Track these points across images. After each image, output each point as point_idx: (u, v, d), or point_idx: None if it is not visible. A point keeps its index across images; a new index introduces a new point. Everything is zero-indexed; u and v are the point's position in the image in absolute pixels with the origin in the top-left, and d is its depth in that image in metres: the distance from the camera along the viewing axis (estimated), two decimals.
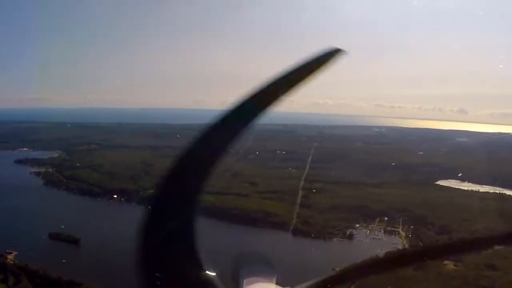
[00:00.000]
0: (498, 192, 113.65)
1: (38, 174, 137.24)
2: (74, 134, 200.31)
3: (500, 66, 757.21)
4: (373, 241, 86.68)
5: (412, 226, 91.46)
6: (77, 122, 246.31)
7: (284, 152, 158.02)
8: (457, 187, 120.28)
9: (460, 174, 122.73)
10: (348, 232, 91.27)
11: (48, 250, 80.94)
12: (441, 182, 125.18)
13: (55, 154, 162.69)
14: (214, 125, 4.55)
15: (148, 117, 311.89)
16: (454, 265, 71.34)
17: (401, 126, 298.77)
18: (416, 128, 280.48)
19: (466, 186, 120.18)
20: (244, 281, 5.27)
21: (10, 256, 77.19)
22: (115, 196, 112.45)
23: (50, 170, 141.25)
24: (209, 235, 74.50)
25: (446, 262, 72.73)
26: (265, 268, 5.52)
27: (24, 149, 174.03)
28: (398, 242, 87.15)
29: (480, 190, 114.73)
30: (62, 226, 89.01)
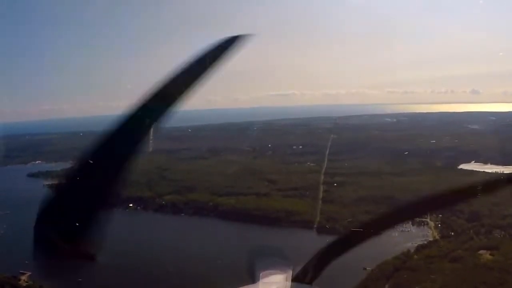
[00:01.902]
0: None
1: (51, 187, 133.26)
2: (87, 143, 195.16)
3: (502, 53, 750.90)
4: (402, 234, 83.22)
5: (440, 215, 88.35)
6: (90, 131, 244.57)
7: (301, 146, 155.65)
8: (480, 170, 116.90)
9: (480, 155, 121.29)
10: None
11: (63, 268, 78.41)
12: (464, 166, 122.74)
13: (68, 165, 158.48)
14: (118, 127, 4.64)
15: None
16: (491, 254, 68.68)
17: (415, 111, 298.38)
18: (430, 112, 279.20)
19: (489, 168, 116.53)
20: (261, 274, 5.86)
21: (23, 277, 74.87)
22: (131, 204, 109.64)
23: (60, 181, 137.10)
24: (232, 239, 72.34)
25: (481, 251, 70.25)
26: (280, 261, 6.16)
27: (37, 162, 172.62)
28: (428, 233, 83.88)
29: (505, 172, 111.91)
30: None
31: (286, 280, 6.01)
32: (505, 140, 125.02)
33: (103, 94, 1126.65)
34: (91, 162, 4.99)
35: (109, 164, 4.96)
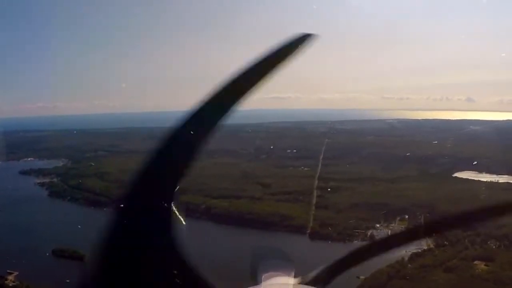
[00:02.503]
0: None
1: (42, 184, 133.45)
2: (81, 142, 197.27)
3: (503, 54, 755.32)
4: None
5: None
6: (84, 129, 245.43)
7: (295, 150, 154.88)
8: (475, 178, 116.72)
9: (475, 163, 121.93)
10: (369, 233, 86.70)
11: (52, 269, 76.84)
12: (459, 174, 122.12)
13: (60, 163, 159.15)
14: (183, 125, 4.37)
15: (156, 120, 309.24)
16: (486, 265, 68.02)
17: (410, 117, 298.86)
18: (425, 119, 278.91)
19: (484, 177, 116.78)
20: (263, 276, 5.45)
21: (10, 277, 73.89)
22: (122, 205, 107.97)
23: (55, 180, 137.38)
24: (224, 242, 71.50)
25: (476, 262, 69.62)
26: (283, 263, 5.62)
27: (30, 159, 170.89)
28: (422, 242, 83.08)
29: (500, 181, 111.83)
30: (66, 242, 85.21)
31: (289, 282, 5.55)
32: (500, 149, 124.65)
33: (98, 93, 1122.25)
34: (157, 159, 4.36)
35: (173, 163, 4.41)
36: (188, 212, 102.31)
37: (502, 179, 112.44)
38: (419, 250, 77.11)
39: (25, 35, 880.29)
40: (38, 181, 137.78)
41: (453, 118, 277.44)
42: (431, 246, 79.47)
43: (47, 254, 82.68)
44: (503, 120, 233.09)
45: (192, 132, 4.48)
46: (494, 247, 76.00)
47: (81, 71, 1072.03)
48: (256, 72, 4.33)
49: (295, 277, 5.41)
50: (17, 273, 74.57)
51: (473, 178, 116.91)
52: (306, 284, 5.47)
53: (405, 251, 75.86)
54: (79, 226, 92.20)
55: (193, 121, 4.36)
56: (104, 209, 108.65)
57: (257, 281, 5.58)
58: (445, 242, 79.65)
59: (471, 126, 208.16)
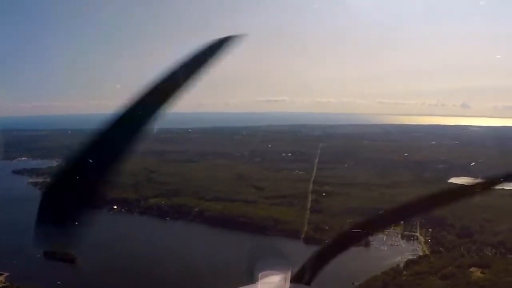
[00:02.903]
0: None
1: (35, 184, 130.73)
2: (75, 142, 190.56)
3: (498, 56, 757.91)
4: (391, 248, 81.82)
5: (430, 230, 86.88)
6: (79, 129, 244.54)
7: (290, 153, 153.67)
8: (471, 184, 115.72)
9: (472, 164, 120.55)
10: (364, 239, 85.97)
11: (43, 271, 75.97)
12: (454, 180, 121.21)
13: (54, 163, 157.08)
14: (110, 127, 4.53)
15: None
16: (482, 272, 67.39)
17: (406, 123, 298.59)
18: (420, 124, 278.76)
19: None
20: (259, 274, 5.64)
21: (1, 278, 73.54)
22: (115, 206, 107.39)
23: (48, 180, 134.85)
24: (217, 245, 70.46)
25: (472, 269, 69.04)
26: (280, 261, 5.93)
27: (23, 158, 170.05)
28: (418, 248, 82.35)
29: (495, 187, 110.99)
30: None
31: (285, 281, 5.79)
32: (496, 155, 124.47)
33: (95, 93, 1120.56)
34: (80, 160, 4.80)
35: (98, 163, 4.72)
36: (181, 214, 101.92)
37: (499, 185, 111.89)
38: (415, 257, 76.66)
39: (21, 35, 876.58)
40: (31, 180, 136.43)
41: (449, 124, 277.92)
42: (427, 252, 78.96)
43: (38, 255, 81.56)
44: (498, 126, 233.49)
45: (117, 135, 4.65)
46: (490, 254, 75.40)
47: (77, 71, 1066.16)
48: (182, 73, 4.46)
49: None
50: (8, 274, 74.01)
51: (468, 184, 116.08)
52: (292, 279, 5.78)
53: (400, 258, 75.53)
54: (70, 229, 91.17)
55: (119, 123, 4.50)
56: (96, 210, 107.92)
57: (253, 280, 5.75)
58: (441, 249, 79.15)
59: (465, 132, 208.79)
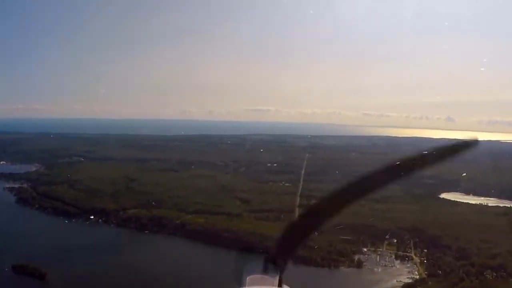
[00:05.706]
0: (509, 206, 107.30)
1: (11, 190, 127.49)
2: (57, 146, 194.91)
3: (482, 69, 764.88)
4: (386, 270, 76.92)
5: (425, 250, 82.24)
6: (61, 133, 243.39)
7: (275, 164, 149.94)
8: (463, 200, 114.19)
9: (464, 176, 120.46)
10: (356, 259, 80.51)
11: (9, 286, 70.85)
12: (445, 195, 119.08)
13: (33, 168, 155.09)
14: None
15: (135, 128, 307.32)
16: None
17: (390, 135, 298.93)
18: (406, 137, 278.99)
19: (472, 199, 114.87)
20: (247, 278, 5.67)
21: None
22: (92, 217, 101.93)
23: (25, 185, 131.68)
24: (196, 263, 64.85)
25: None
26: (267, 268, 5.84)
27: (1, 162, 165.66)
28: (414, 270, 77.41)
29: (489, 204, 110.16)
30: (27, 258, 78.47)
31: (273, 285, 5.67)
32: (484, 170, 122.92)
33: (79, 97, 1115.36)
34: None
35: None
36: (161, 227, 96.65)
37: (490, 202, 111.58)
38: (411, 280, 71.90)
39: (5, 38, 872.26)
40: (8, 185, 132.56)
41: (434, 137, 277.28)
42: (423, 275, 74.22)
43: (6, 269, 75.85)
44: (484, 141, 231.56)
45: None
46: (491, 278, 70.75)
47: (62, 75, 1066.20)
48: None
49: None
50: None
51: (460, 200, 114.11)
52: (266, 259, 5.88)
53: (395, 281, 70.96)
54: (43, 240, 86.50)
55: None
56: (73, 219, 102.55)
57: (241, 284, 5.61)
58: (438, 271, 74.42)
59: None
